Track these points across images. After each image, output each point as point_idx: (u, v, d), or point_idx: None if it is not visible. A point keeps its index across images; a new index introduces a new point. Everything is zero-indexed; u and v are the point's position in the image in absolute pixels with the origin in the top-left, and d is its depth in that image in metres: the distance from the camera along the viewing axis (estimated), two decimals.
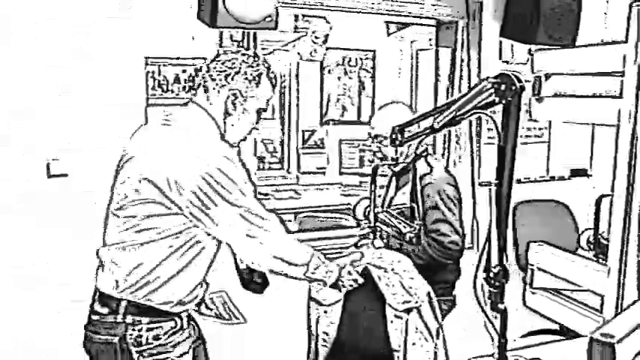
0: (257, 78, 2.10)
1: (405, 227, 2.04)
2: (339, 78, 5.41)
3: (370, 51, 5.41)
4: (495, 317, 1.69)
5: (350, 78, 5.44)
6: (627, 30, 1.97)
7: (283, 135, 5.23)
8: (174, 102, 3.22)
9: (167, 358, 2.04)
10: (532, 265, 2.47)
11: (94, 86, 3.06)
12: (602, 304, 2.22)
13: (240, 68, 2.08)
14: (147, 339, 2.01)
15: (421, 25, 4.24)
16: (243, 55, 2.13)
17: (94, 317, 2.08)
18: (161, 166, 1.97)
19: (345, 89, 5.45)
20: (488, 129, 3.87)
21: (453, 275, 2.71)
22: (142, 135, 2.16)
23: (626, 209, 1.99)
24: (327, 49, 5.16)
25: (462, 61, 3.95)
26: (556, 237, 3.52)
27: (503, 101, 1.61)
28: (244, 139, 2.20)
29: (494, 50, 3.92)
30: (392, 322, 2.27)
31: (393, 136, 2.05)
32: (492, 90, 1.64)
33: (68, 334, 2.92)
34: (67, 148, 3.04)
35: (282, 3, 3.30)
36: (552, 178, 4.19)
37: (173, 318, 2.07)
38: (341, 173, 5.28)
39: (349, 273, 2.20)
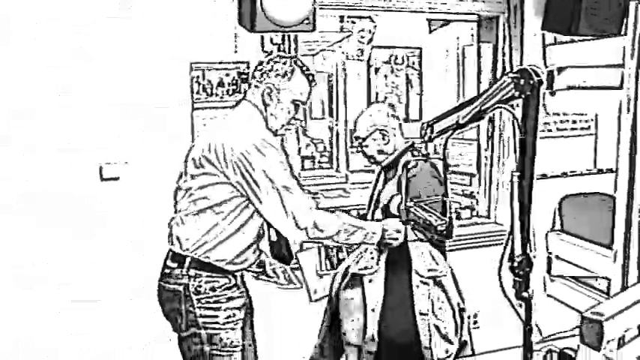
0: (289, 73, 2.45)
1: (436, 220, 2.10)
2: (385, 76, 5.45)
3: (416, 48, 5.43)
4: (520, 305, 1.73)
5: (397, 76, 5.46)
6: (626, 23, 1.96)
7: (332, 134, 5.29)
8: (218, 105, 3.35)
9: (220, 307, 2.38)
10: (550, 253, 2.48)
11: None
12: (608, 287, 2.22)
13: (272, 66, 2.47)
14: (205, 289, 2.37)
15: (462, 21, 4.24)
16: (277, 55, 2.56)
17: (166, 270, 2.44)
18: (213, 144, 2.34)
19: (392, 87, 5.47)
20: (544, 123, 3.84)
21: None
22: (203, 129, 2.98)
23: (629, 195, 1.98)
24: (372, 47, 5.21)
25: (504, 55, 3.94)
26: (603, 230, 3.48)
27: (523, 95, 1.65)
28: (288, 128, 2.55)
29: (537, 44, 3.88)
30: (417, 287, 2.42)
31: (423, 132, 2.12)
32: (512, 85, 1.68)
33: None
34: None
35: (321, 5, 3.39)
36: (600, 171, 4.12)
37: (227, 275, 2.42)
38: None
39: (397, 231, 2.48)
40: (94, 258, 3.16)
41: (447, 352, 2.57)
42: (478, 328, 4.05)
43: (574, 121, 4.07)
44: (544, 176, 3.93)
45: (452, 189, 4.64)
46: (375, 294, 2.59)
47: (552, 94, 2.37)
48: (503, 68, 3.96)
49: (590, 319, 1.23)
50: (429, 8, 3.88)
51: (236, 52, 3.38)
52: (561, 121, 4.00)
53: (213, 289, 2.39)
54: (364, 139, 2.86)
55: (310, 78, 2.49)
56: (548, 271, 2.44)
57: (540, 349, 1.81)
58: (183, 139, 3.15)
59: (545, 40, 3.88)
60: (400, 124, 2.87)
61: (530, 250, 1.70)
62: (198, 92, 3.32)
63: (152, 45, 3.21)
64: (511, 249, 1.71)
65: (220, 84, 3.36)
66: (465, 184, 4.52)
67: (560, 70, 2.27)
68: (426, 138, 2.12)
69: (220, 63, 3.35)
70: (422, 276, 2.49)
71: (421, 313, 2.49)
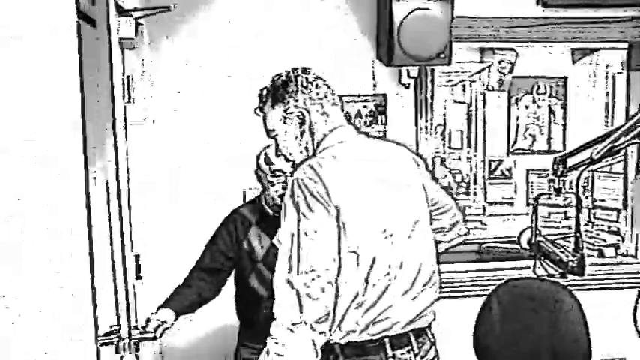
0: None
1: (567, 256, 2.06)
2: (526, 106, 5.33)
3: (560, 78, 5.26)
4: None
5: (539, 106, 5.32)
6: None
7: (470, 165, 5.25)
8: None
9: None
10: None
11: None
12: None
13: None
14: None
15: (610, 49, 4.08)
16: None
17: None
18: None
19: (534, 118, 5.34)
20: None
21: None
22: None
23: None
24: (513, 77, 5.12)
25: None
26: None
27: None
28: None
29: None
30: None
31: (555, 167, 2.10)
32: None
33: None
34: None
35: (458, 38, 3.42)
36: None
37: None
38: (528, 204, 5.17)
39: None
40: None
41: None
42: None
43: None
44: None
45: (596, 225, 4.44)
46: None
47: None
48: None
49: None
50: (574, 37, 3.79)
51: (375, 85, 3.49)
52: None
53: None
54: (285, 174, 2.62)
55: None
56: None
57: None
58: None
59: None
60: None
61: None
62: None
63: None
64: None
65: (358, 115, 3.49)
66: (610, 220, 4.31)
67: None
68: (558, 173, 2.09)
69: (359, 96, 3.49)
70: None
71: None
